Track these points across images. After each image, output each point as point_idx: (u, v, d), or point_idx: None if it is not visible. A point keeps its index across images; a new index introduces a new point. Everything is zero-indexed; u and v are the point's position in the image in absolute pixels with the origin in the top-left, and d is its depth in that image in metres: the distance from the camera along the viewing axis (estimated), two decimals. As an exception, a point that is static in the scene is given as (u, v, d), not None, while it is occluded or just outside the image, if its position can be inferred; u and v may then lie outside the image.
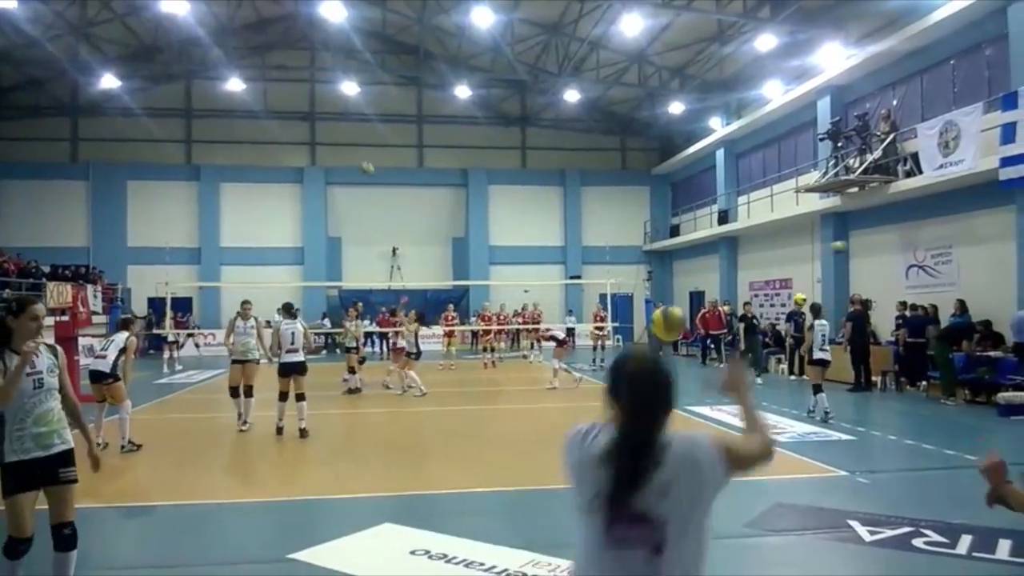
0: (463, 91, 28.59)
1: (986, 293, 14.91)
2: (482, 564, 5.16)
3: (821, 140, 19.49)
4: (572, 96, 27.74)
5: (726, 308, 19.13)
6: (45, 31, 23.57)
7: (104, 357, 9.44)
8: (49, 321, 10.18)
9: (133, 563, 5.57)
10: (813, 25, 19.54)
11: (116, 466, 8.70)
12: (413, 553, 5.45)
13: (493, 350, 21.72)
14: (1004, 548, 5.35)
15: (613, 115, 32.06)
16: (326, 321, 27.64)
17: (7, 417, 4.11)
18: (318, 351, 16.55)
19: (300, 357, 10.77)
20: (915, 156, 16.12)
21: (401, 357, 15.32)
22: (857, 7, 18.77)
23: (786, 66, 22.00)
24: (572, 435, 2.09)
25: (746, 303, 20.03)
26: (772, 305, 23.59)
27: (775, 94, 22.78)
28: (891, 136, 16.94)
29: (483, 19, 22.85)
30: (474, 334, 28.39)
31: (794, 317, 17.88)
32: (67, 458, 4.32)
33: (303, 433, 10.41)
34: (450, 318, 20.74)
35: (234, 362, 11.14)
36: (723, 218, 26.40)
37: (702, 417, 11.92)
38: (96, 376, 9.45)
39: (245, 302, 11.51)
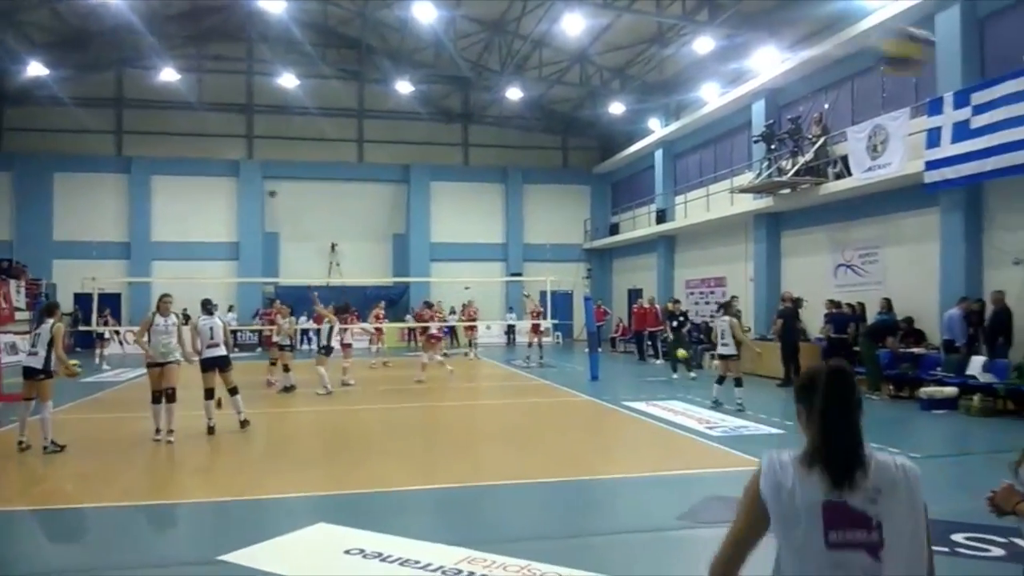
0: (405, 87, 28.38)
1: (911, 292, 15.48)
2: (418, 562, 5.13)
3: (755, 142, 19.94)
4: (515, 94, 27.79)
5: (670, 305, 19.39)
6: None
7: (36, 354, 9.13)
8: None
9: (57, 568, 5.37)
10: (750, 29, 19.95)
11: (39, 467, 8.40)
12: (348, 552, 5.38)
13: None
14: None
15: (555, 114, 32.23)
16: (257, 319, 27.15)
17: None
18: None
19: (222, 351, 10.59)
20: (845, 159, 16.61)
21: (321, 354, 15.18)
22: (792, 12, 19.23)
23: (723, 69, 22.42)
24: (771, 461, 2.10)
25: (675, 300, 20.39)
26: (707, 303, 24.06)
27: (712, 96, 23.21)
28: (822, 139, 17.42)
29: (425, 14, 22.71)
30: (411, 332, 28.23)
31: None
32: None
33: (244, 424, 10.35)
34: (380, 316, 20.31)
35: (152, 365, 9.81)
36: (661, 217, 26.82)
37: (637, 412, 12.08)
38: (28, 372, 9.16)
39: (164, 296, 10.15)
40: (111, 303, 26.38)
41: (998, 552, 5.28)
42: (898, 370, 13.77)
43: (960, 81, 13.73)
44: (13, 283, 23.44)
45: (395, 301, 29.41)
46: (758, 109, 20.86)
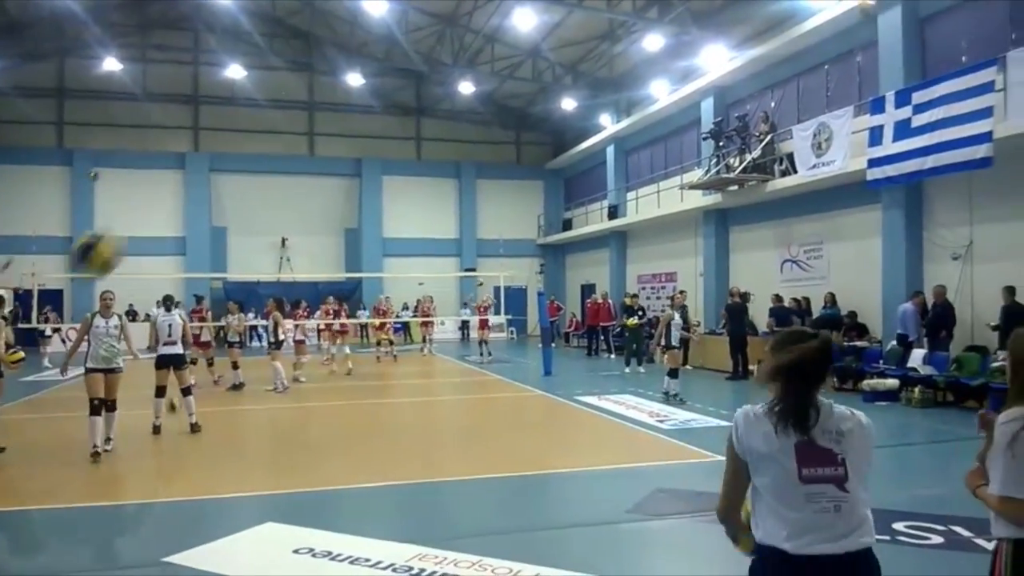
0: (356, 79, 28.09)
1: (854, 287, 15.88)
2: (368, 560, 5.10)
3: (704, 139, 20.19)
4: (467, 88, 27.71)
5: (628, 300, 19.55)
6: None
7: None
8: None
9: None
10: (698, 27, 20.20)
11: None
12: (297, 552, 5.32)
13: (391, 343, 21.39)
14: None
15: (508, 109, 32.22)
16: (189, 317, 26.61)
17: None
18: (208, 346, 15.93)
19: (178, 349, 10.32)
20: (791, 156, 16.94)
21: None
22: (739, 12, 19.53)
23: (673, 66, 22.68)
24: (740, 415, 2.43)
25: (633, 295, 20.58)
26: (659, 298, 24.34)
27: (662, 94, 23.45)
28: (768, 137, 17.74)
29: (376, 7, 22.50)
30: (363, 328, 28.01)
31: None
32: None
33: (194, 428, 10.05)
34: (329, 311, 19.91)
35: (91, 371, 8.69)
36: (613, 213, 27.03)
37: (589, 406, 12.17)
38: None
39: (104, 294, 9.14)
40: (53, 300, 25.62)
41: (938, 540, 5.45)
42: (841, 363, 14.10)
43: (902, 80, 14.09)
44: (-53, 279, 22.62)
45: (347, 297, 29.11)
46: (707, 107, 21.14)
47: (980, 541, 5.22)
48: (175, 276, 27.07)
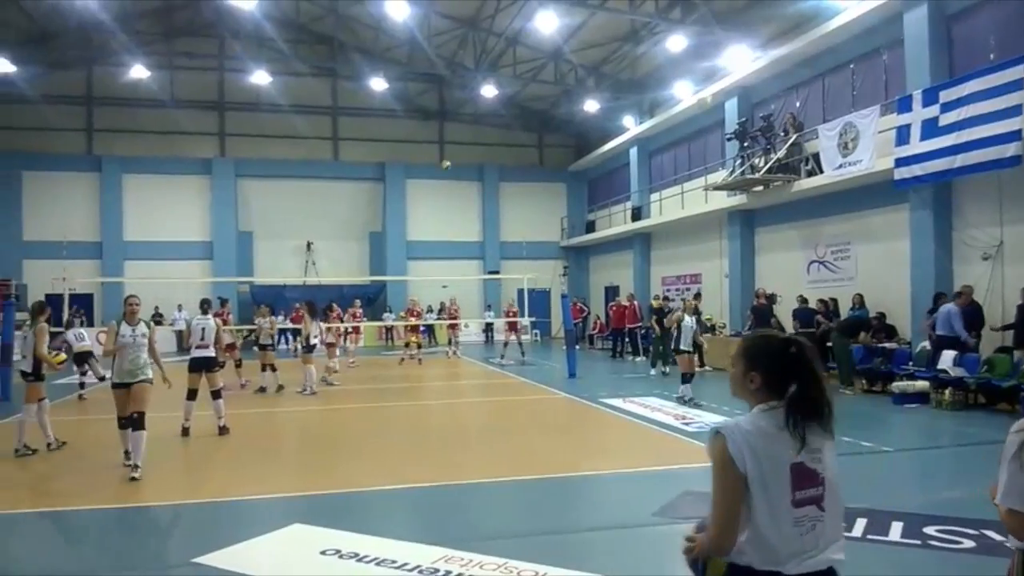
0: (379, 84, 28.24)
1: (882, 287, 15.69)
2: (394, 561, 5.12)
3: (728, 140, 20.08)
4: (490, 92, 27.74)
5: (655, 302, 19.48)
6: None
7: (25, 357, 9.33)
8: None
9: (31, 571, 5.29)
10: (722, 28, 20.08)
11: (9, 471, 8.27)
12: (324, 553, 5.36)
13: (419, 346, 21.48)
14: (896, 530, 5.63)
15: (531, 112, 32.23)
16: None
17: None
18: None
19: (210, 352, 10.49)
20: (816, 156, 16.79)
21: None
22: (764, 11, 19.40)
23: (696, 67, 22.57)
24: (738, 441, 2.25)
25: (665, 297, 20.47)
26: (684, 299, 24.15)
27: (686, 94, 23.34)
28: (794, 137, 17.59)
29: (398, 11, 22.62)
30: (388, 330, 28.16)
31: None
32: None
33: (223, 430, 10.17)
34: (357, 314, 20.17)
35: (116, 386, 8.05)
36: (636, 215, 26.94)
37: (614, 409, 12.13)
38: (23, 375, 9.34)
39: (130, 299, 8.32)
40: (83, 303, 26.04)
41: (969, 544, 5.36)
42: (870, 365, 13.94)
43: (929, 79, 13.91)
44: (-19, 284, 23.06)
45: (372, 300, 29.30)
46: (731, 107, 21.02)
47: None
48: (202, 280, 27.36)
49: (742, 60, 20.04)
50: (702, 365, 18.20)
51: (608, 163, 30.90)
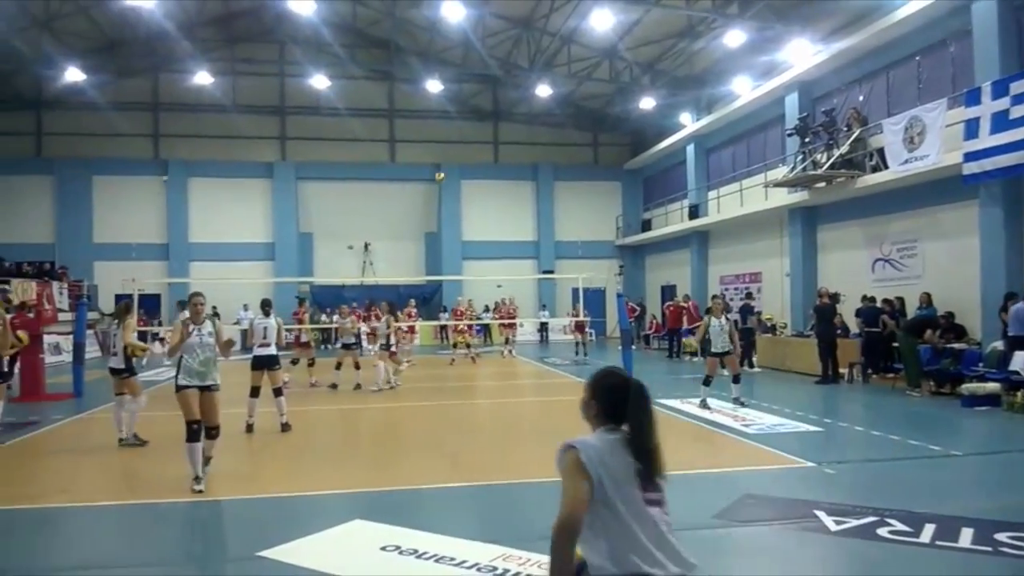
0: (435, 86, 28.50)
1: (951, 286, 15.18)
2: (453, 559, 5.16)
3: (789, 135, 19.70)
4: (544, 91, 27.75)
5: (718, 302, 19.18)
6: (8, 24, 23.04)
7: (116, 355, 9.81)
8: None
9: (98, 562, 5.48)
10: (781, 21, 19.72)
11: (93, 463, 8.59)
12: (384, 549, 5.43)
13: (468, 346, 21.62)
14: (966, 536, 5.45)
15: (585, 110, 32.12)
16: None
17: None
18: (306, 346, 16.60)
19: (272, 351, 10.75)
20: (881, 151, 16.35)
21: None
22: (825, 4, 18.97)
23: (755, 62, 22.18)
24: (590, 451, 2.63)
25: (714, 296, 20.08)
26: (743, 299, 23.80)
27: (744, 90, 22.98)
28: (857, 131, 17.15)
29: (453, 13, 22.78)
30: (442, 329, 28.40)
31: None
32: None
33: (285, 427, 10.40)
34: (412, 314, 20.50)
35: (184, 388, 7.39)
36: (694, 213, 26.62)
37: (671, 410, 12.01)
38: (113, 372, 9.84)
39: (194, 296, 7.67)
40: (151, 304, 26.89)
41: (1044, 551, 5.17)
42: (939, 366, 13.51)
43: (999, 70, 13.44)
44: (56, 285, 24.00)
45: (428, 300, 29.58)
46: (791, 102, 20.61)
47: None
48: (264, 281, 28.02)
49: (803, 54, 19.63)
50: (751, 366, 17.93)
51: (664, 161, 30.60)
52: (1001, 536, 5.42)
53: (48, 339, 18.49)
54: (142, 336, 19.58)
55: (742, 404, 12.09)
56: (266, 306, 11.31)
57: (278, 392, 10.60)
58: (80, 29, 25.72)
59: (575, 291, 21.03)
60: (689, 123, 27.06)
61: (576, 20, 23.81)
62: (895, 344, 14.42)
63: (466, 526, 6.07)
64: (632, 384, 2.74)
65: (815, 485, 7.21)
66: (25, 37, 24.19)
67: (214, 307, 26.00)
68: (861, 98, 18.46)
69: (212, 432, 7.55)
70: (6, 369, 10.07)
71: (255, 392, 10.55)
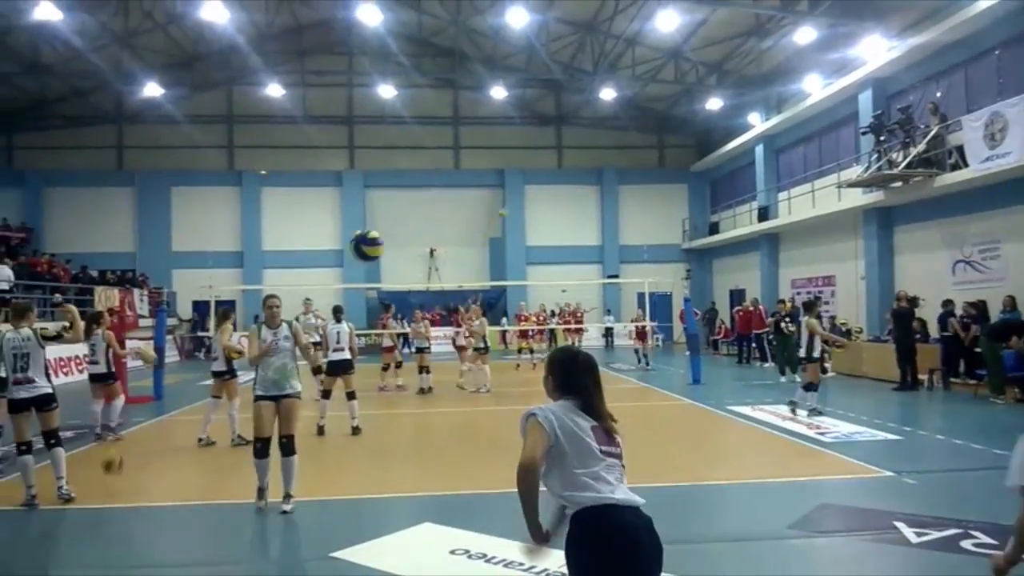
0: (498, 92, 28.66)
1: (1037, 289, 14.51)
2: (521, 564, 5.15)
3: (863, 134, 19.14)
4: (608, 94, 27.61)
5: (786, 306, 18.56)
6: (90, 42, 24.13)
7: (217, 358, 10.41)
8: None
9: (176, 562, 5.66)
10: (853, 17, 19.20)
11: (173, 463, 8.88)
12: (453, 553, 5.47)
13: (532, 351, 21.62)
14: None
15: (650, 112, 31.85)
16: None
17: None
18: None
19: (346, 355, 10.96)
20: (960, 149, 15.75)
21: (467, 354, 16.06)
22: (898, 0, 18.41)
23: (826, 59, 21.64)
24: (547, 414, 2.94)
25: (780, 301, 19.57)
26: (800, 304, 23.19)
27: (815, 88, 22.43)
28: (935, 128, 16.56)
29: (517, 19, 22.87)
30: (504, 334, 28.43)
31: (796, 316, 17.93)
32: None
33: (356, 430, 10.61)
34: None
35: (259, 399, 6.79)
36: (763, 215, 26.07)
37: (742, 416, 11.78)
38: (215, 374, 10.40)
39: (269, 299, 7.21)
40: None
41: None
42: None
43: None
44: (136, 292, 24.96)
45: (492, 304, 29.69)
46: (864, 100, 20.03)
47: None
48: (334, 287, 28.56)
49: (876, 50, 19.06)
50: (824, 372, 17.39)
51: (732, 162, 30.08)
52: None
53: (130, 344, 19.22)
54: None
55: (814, 411, 11.69)
56: (338, 313, 11.53)
57: (351, 396, 10.80)
58: (158, 45, 26.77)
59: (640, 296, 20.76)
60: (758, 123, 26.55)
61: (640, 22, 23.64)
62: (977, 350, 13.84)
63: (534, 531, 6.04)
64: (580, 357, 3.11)
65: (894, 495, 6.97)
66: (106, 54, 25.30)
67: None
68: (938, 94, 17.83)
69: (284, 442, 6.73)
70: (111, 369, 10.60)
71: (326, 394, 10.80)
